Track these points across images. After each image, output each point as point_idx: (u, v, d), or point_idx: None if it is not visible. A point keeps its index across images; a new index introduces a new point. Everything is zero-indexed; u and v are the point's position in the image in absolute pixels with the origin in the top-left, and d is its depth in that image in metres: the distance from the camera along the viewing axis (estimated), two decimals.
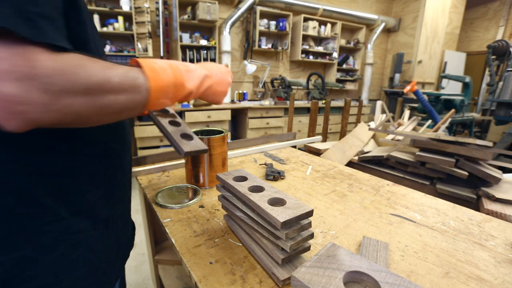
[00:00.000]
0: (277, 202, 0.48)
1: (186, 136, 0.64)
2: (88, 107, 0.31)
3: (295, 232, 0.43)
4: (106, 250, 0.46)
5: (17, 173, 0.35)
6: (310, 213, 0.44)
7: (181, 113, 3.09)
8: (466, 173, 1.12)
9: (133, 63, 0.40)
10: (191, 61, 3.50)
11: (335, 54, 4.51)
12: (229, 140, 0.90)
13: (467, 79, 3.61)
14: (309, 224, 0.45)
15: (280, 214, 0.42)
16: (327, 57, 4.58)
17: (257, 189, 0.52)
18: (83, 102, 0.30)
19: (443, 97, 3.17)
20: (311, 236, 0.46)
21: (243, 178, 0.57)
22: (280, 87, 3.96)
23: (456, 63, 5.52)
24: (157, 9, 3.10)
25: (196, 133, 0.87)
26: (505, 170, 1.43)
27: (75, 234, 0.40)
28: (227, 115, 3.37)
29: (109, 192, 0.46)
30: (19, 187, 0.35)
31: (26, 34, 0.25)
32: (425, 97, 2.71)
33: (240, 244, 0.56)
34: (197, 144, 0.62)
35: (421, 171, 1.26)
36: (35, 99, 0.26)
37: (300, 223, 0.44)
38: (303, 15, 4.01)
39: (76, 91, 0.29)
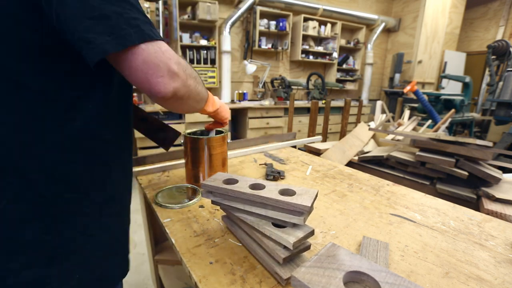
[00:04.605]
0: (285, 192, 0.50)
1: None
2: (192, 92, 0.47)
3: (307, 216, 0.47)
4: (125, 235, 0.56)
5: (67, 162, 0.43)
6: (316, 195, 0.49)
7: (181, 114, 3.09)
8: (466, 173, 1.12)
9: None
10: (191, 61, 3.50)
11: (335, 54, 4.51)
12: (229, 140, 0.91)
13: (467, 79, 3.61)
14: (313, 206, 0.49)
15: (303, 201, 0.45)
16: (327, 57, 4.58)
17: (259, 186, 0.52)
18: (193, 85, 0.46)
19: (443, 97, 3.17)
20: (312, 233, 0.46)
21: (233, 180, 0.56)
22: (280, 87, 3.96)
23: (456, 63, 5.52)
24: (157, 9, 3.10)
25: (196, 133, 0.87)
26: (505, 170, 1.43)
27: (105, 217, 0.49)
28: None
29: (128, 183, 0.57)
30: (67, 175, 0.43)
31: (157, 37, 0.40)
32: (425, 97, 2.71)
33: (240, 244, 0.56)
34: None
35: (421, 171, 1.26)
36: (182, 75, 0.42)
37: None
38: (303, 15, 4.01)
39: (191, 76, 0.45)
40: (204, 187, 0.56)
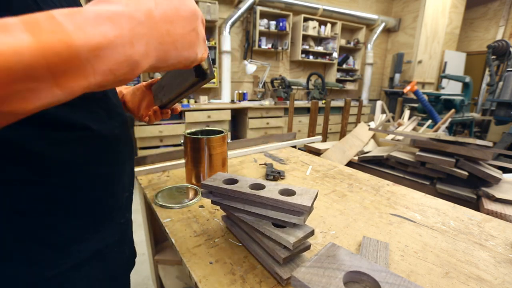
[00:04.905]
0: (285, 192, 0.50)
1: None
2: None
3: (307, 216, 0.46)
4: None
5: None
6: (316, 195, 0.48)
7: (181, 114, 3.09)
8: (466, 173, 1.12)
9: None
10: None
11: (335, 54, 4.51)
12: (229, 140, 0.91)
13: (467, 79, 3.61)
14: (313, 206, 0.49)
15: (303, 201, 0.45)
16: (327, 57, 4.58)
17: (259, 186, 0.52)
18: None
19: (443, 97, 3.17)
20: (312, 233, 0.46)
21: (233, 180, 0.56)
22: (280, 87, 3.96)
23: (456, 63, 5.52)
24: None
25: (196, 133, 0.87)
26: (505, 170, 1.43)
27: (53, 278, 0.34)
28: (227, 115, 3.37)
29: (97, 221, 0.40)
30: None
31: None
32: (425, 97, 2.71)
33: (240, 244, 0.56)
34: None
35: (421, 171, 1.26)
36: None
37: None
38: (303, 15, 4.01)
39: None
40: (204, 187, 0.56)
